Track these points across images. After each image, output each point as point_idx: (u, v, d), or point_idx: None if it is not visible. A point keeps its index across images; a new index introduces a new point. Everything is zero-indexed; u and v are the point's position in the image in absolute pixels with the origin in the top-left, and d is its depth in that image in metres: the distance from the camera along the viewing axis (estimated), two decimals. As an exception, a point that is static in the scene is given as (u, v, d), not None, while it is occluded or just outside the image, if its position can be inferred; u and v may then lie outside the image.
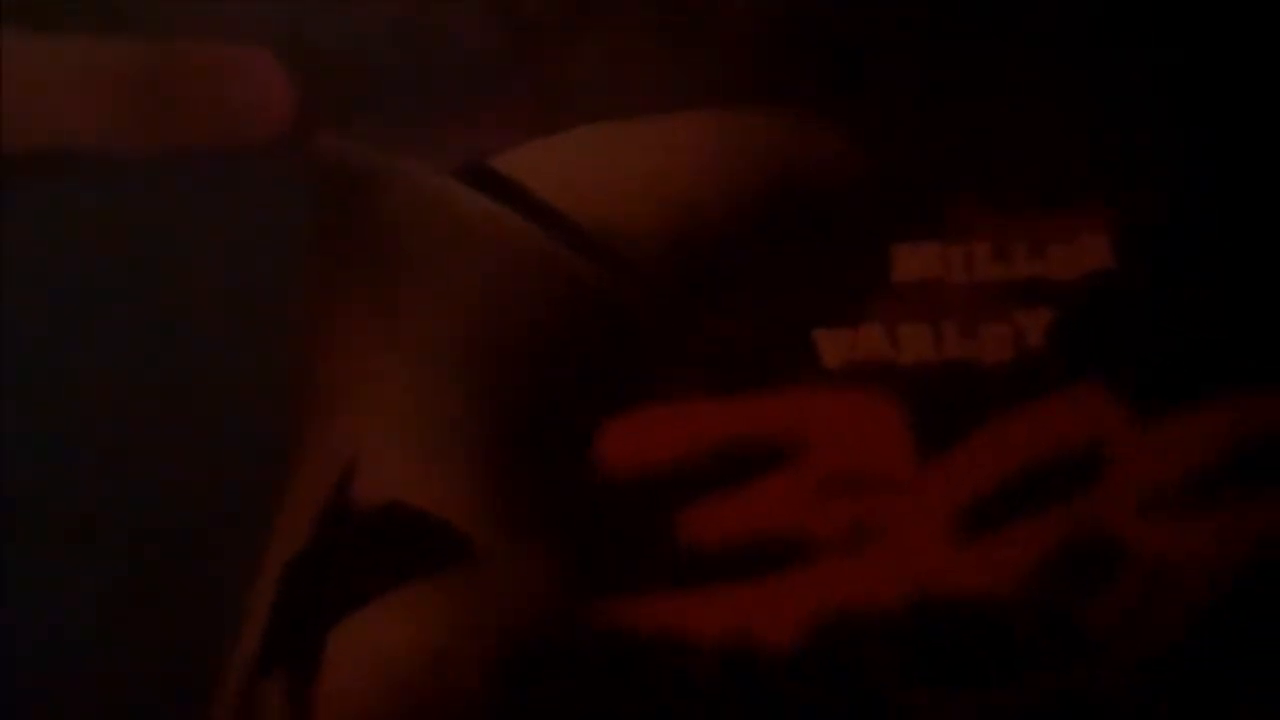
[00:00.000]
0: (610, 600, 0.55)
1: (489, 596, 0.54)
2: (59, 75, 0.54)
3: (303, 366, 0.53)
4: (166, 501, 0.54)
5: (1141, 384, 0.59)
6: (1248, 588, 0.59)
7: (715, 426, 0.56)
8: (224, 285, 0.54)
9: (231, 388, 0.53)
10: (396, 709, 0.54)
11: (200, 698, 0.53)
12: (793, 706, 0.57)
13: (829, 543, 0.57)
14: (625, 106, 0.57)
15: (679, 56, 0.57)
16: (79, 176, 0.55)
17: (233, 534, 0.53)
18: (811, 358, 0.57)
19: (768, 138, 0.58)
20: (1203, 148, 0.60)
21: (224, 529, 0.53)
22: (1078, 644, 0.59)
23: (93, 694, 0.53)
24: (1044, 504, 0.59)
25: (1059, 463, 0.59)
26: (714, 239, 0.57)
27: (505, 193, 0.56)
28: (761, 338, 0.57)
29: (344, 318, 0.54)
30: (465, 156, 0.56)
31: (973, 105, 0.59)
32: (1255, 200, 0.60)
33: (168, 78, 0.53)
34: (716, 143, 0.57)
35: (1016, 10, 0.59)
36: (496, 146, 0.57)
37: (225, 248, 0.54)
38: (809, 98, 0.58)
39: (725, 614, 0.56)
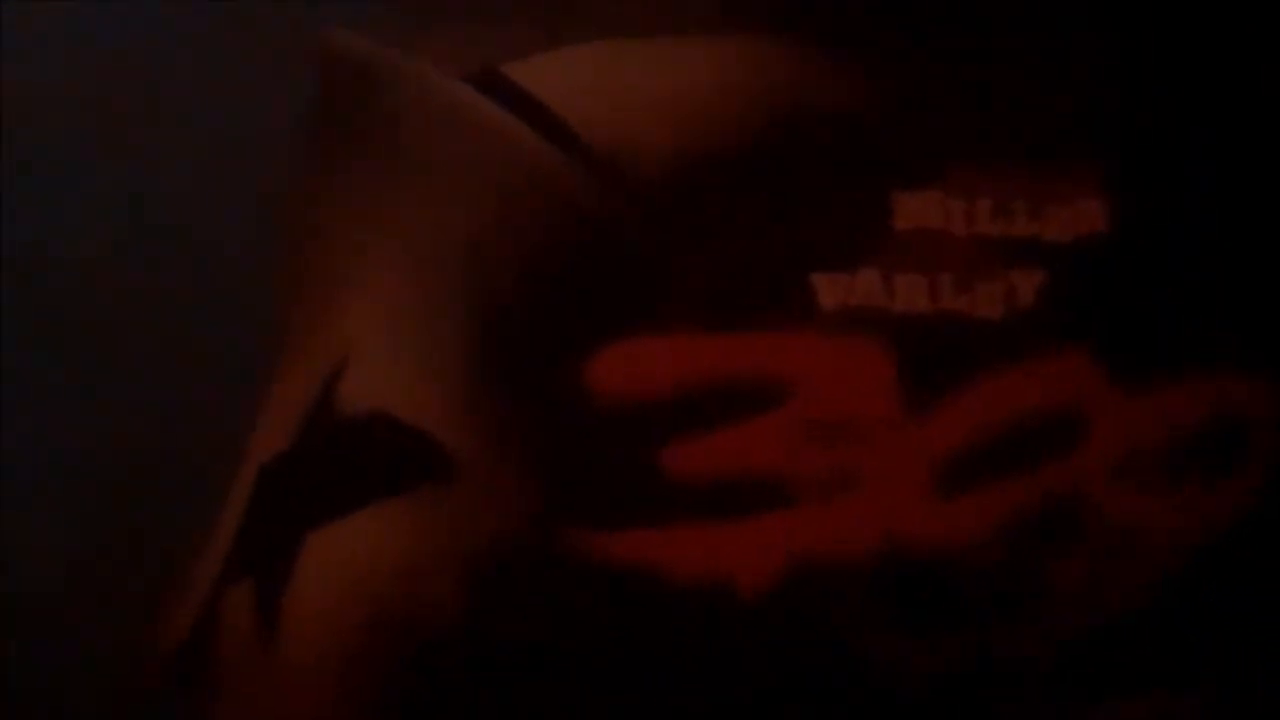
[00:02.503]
0: (588, 529, 0.54)
1: (467, 516, 0.53)
2: None
3: (297, 254, 0.52)
4: (148, 393, 0.52)
5: (1126, 352, 0.59)
6: (1213, 560, 0.60)
7: (707, 361, 0.55)
8: (221, 167, 0.52)
9: (222, 269, 0.52)
10: (365, 624, 0.52)
11: (173, 587, 0.51)
12: (763, 647, 0.56)
13: (809, 487, 0.56)
14: (643, 23, 0.56)
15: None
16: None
17: (218, 421, 0.51)
18: (808, 300, 0.56)
19: (782, 72, 0.57)
20: (1201, 123, 0.60)
21: (210, 416, 0.51)
22: (1043, 602, 0.59)
23: (65, 603, 0.51)
24: (1021, 463, 0.59)
25: (1040, 424, 0.59)
26: (719, 170, 0.56)
27: (515, 101, 0.54)
28: (760, 275, 0.56)
29: (343, 208, 0.52)
30: (478, 61, 0.54)
31: (981, 64, 0.59)
32: (1250, 179, 0.60)
33: None
34: (730, 71, 0.56)
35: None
36: (510, 54, 0.55)
37: (225, 132, 0.52)
38: (825, 34, 0.57)
39: (701, 552, 0.55)
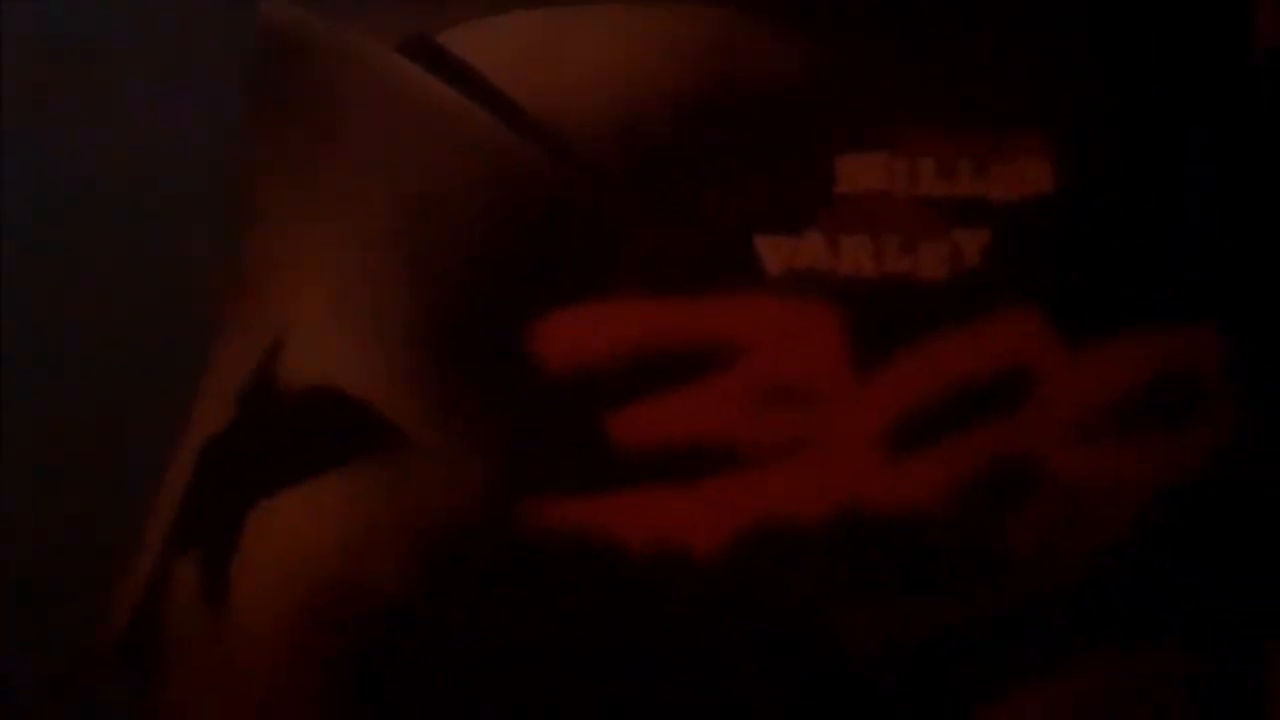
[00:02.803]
0: (538, 499, 0.54)
1: (413, 489, 0.53)
2: None
3: (236, 224, 0.51)
4: (85, 361, 0.51)
5: (1072, 310, 0.59)
6: (1162, 516, 0.60)
7: (654, 327, 0.55)
8: (156, 138, 0.52)
9: (168, 242, 0.51)
10: (312, 595, 0.52)
11: (116, 563, 0.51)
12: (718, 613, 0.56)
13: (760, 451, 0.56)
14: (580, -10, 0.56)
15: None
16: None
17: (154, 402, 0.51)
18: (753, 263, 0.56)
19: (722, 37, 0.57)
20: (1143, 85, 0.60)
21: (144, 400, 0.51)
22: (997, 562, 0.59)
23: (13, 580, 0.51)
24: (971, 423, 0.59)
25: (988, 384, 0.59)
26: (659, 135, 0.56)
27: (450, 70, 0.54)
28: (704, 240, 0.56)
29: (278, 185, 0.52)
30: (411, 30, 0.54)
31: (923, 23, 0.59)
32: (1190, 138, 0.60)
33: None
34: (671, 37, 0.56)
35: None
36: (444, 22, 0.55)
37: (164, 102, 0.52)
38: (770, 2, 0.57)
39: (654, 518, 0.55)
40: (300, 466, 0.51)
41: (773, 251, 0.56)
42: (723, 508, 0.56)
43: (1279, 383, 0.60)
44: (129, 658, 0.49)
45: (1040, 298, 0.59)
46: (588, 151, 0.54)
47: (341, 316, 0.51)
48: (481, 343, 0.53)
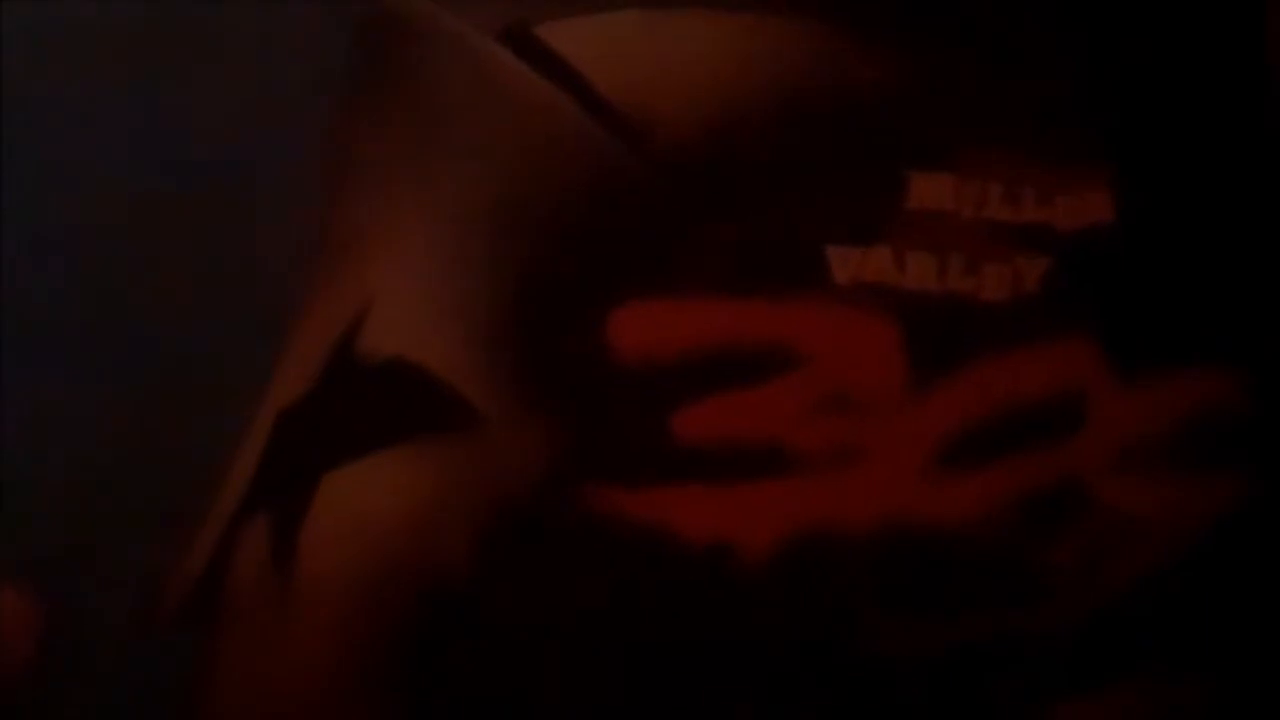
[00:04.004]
0: (600, 487, 0.55)
1: (484, 466, 0.54)
2: None
3: (327, 202, 0.52)
4: (171, 323, 0.52)
5: (1128, 342, 0.61)
6: (1204, 553, 0.61)
7: (721, 326, 0.56)
8: (257, 114, 0.53)
9: (254, 219, 0.52)
10: (377, 566, 0.53)
11: (187, 524, 0.52)
12: (764, 611, 0.57)
13: (813, 457, 0.57)
14: (675, -6, 0.57)
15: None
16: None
17: (237, 362, 0.52)
18: (822, 272, 0.57)
19: (807, 50, 0.58)
20: (1209, 122, 0.62)
21: (230, 359, 0.52)
22: (1037, 585, 0.60)
23: (84, 510, 0.52)
24: (1021, 448, 0.60)
25: (1041, 409, 0.60)
26: (743, 141, 0.57)
27: (546, 62, 0.55)
28: (776, 245, 0.57)
29: (376, 163, 0.53)
30: (511, 21, 0.55)
31: (1000, 52, 0.60)
32: (1254, 178, 0.62)
33: None
34: (757, 47, 0.57)
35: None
36: (541, 16, 0.56)
37: (261, 80, 0.53)
38: (850, 15, 0.58)
39: (707, 514, 0.56)
40: (374, 438, 0.52)
41: (842, 261, 0.57)
42: (774, 510, 0.57)
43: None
44: (193, 617, 0.50)
45: (1096, 328, 0.60)
46: (670, 151, 0.55)
47: (425, 293, 0.52)
48: (556, 329, 0.54)
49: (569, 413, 0.54)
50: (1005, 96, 0.60)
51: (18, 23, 0.53)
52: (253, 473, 0.52)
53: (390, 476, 0.52)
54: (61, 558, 0.51)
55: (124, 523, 0.51)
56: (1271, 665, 0.61)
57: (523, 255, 0.54)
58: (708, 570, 0.55)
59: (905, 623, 0.59)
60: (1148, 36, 0.61)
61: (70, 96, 0.53)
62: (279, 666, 0.52)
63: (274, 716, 0.52)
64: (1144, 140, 0.61)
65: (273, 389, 0.52)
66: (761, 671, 0.57)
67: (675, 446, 0.55)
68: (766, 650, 0.57)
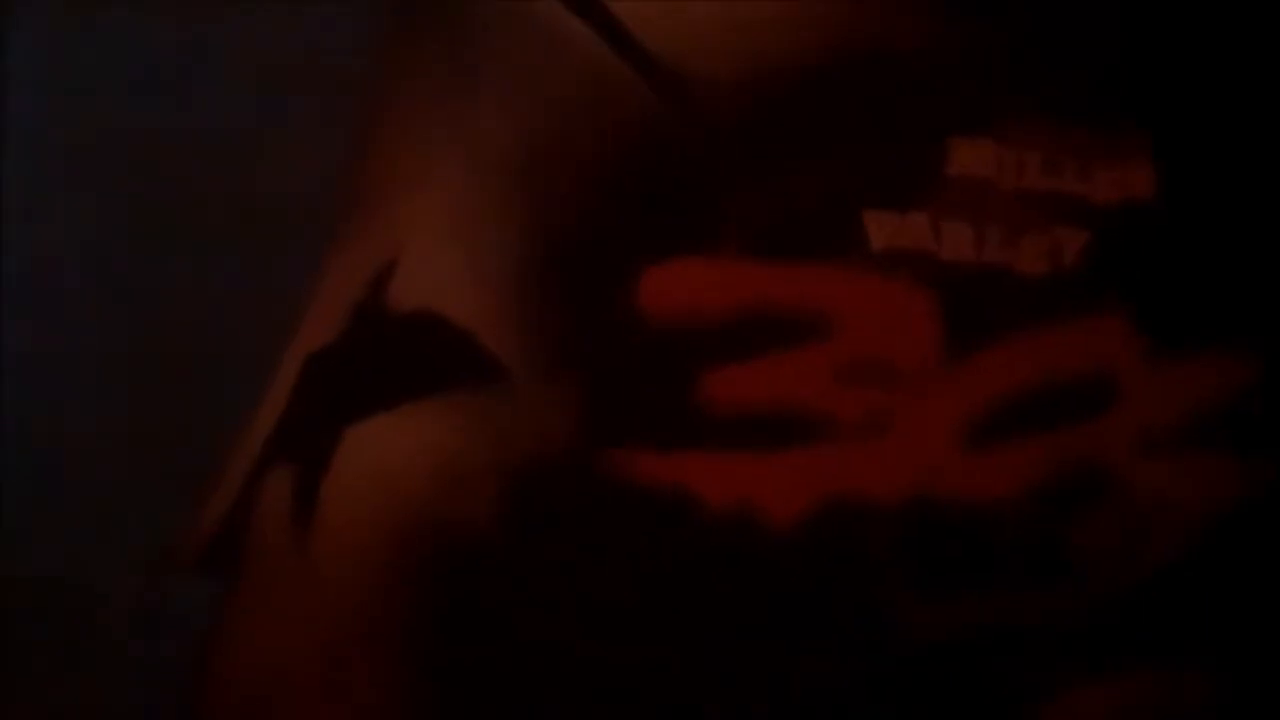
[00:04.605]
0: (626, 448, 0.54)
1: (507, 425, 0.53)
2: None
3: (361, 151, 0.51)
4: (196, 267, 0.51)
5: (1161, 321, 0.60)
6: (1230, 534, 0.60)
7: (755, 288, 0.55)
8: (289, 61, 0.51)
9: (287, 160, 0.51)
10: (398, 522, 0.52)
11: (207, 474, 0.51)
12: (786, 581, 0.56)
13: (843, 426, 0.56)
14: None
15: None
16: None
17: (263, 308, 0.50)
18: (858, 237, 0.56)
19: (849, 11, 0.57)
20: (1255, 105, 0.60)
21: (255, 303, 0.51)
22: (1063, 564, 0.59)
23: (104, 460, 0.51)
24: (1052, 423, 0.59)
25: (1072, 386, 0.59)
26: (779, 100, 0.56)
27: (592, 14, 0.54)
28: (813, 208, 0.56)
29: (411, 110, 0.52)
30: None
31: (1046, 20, 0.59)
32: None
33: None
34: (800, 8, 0.56)
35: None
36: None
37: (298, 26, 0.51)
38: None
39: (734, 481, 0.55)
40: (400, 390, 0.51)
41: (878, 227, 0.56)
42: (801, 478, 0.56)
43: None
44: (214, 565, 0.49)
45: (1132, 305, 0.59)
46: (710, 109, 0.54)
47: (455, 245, 0.51)
48: (586, 287, 0.53)
49: (597, 372, 0.53)
50: (1047, 65, 0.59)
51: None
52: (277, 422, 0.50)
53: (415, 431, 0.51)
54: (87, 508, 0.50)
55: (150, 473, 0.50)
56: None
57: (555, 208, 0.53)
58: (732, 537, 0.55)
59: (928, 596, 0.58)
60: (1195, 11, 0.60)
61: (116, 39, 0.51)
62: (297, 617, 0.51)
63: (290, 667, 0.51)
64: (1187, 114, 0.60)
65: (300, 336, 0.51)
66: (782, 640, 0.56)
67: (703, 410, 0.54)
68: (788, 619, 0.56)
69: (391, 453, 0.50)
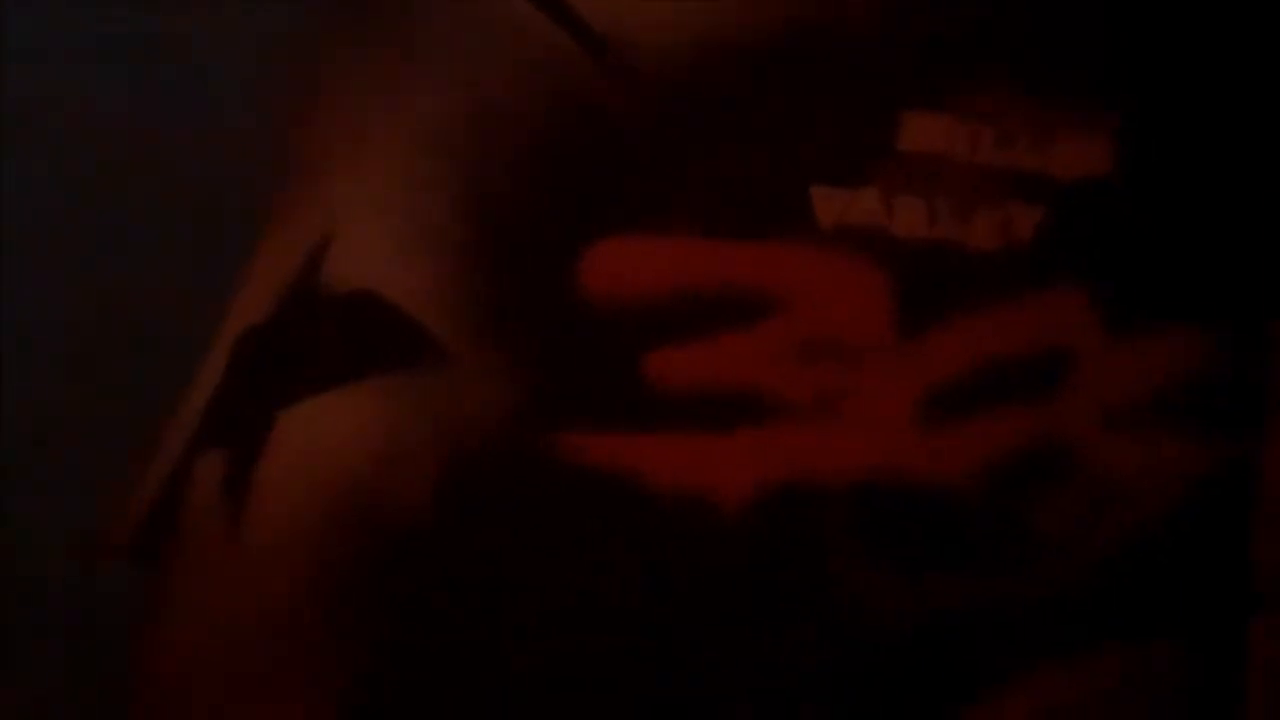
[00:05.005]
0: (570, 431, 0.53)
1: (447, 407, 0.52)
2: None
3: (291, 127, 0.50)
4: (132, 248, 0.50)
5: (1118, 297, 0.59)
6: (1193, 510, 0.59)
7: (700, 266, 0.54)
8: (227, 37, 0.50)
9: (206, 137, 0.50)
10: (333, 506, 0.51)
11: (138, 460, 0.49)
12: (739, 563, 0.55)
13: (794, 406, 0.55)
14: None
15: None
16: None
17: (194, 289, 0.49)
18: (806, 214, 0.55)
19: None
20: (1214, 79, 0.60)
21: (181, 285, 0.50)
22: (1023, 543, 0.59)
23: (31, 468, 0.50)
24: (1007, 401, 0.58)
25: (1027, 362, 0.58)
26: (729, 74, 0.55)
27: None
28: (761, 184, 0.55)
29: (344, 86, 0.50)
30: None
31: None
32: (1255, 141, 0.60)
33: None
34: None
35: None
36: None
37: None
38: None
39: (683, 462, 0.54)
40: (336, 371, 0.50)
41: (827, 203, 0.55)
42: (752, 459, 0.55)
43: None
44: (144, 552, 0.48)
45: (1088, 281, 0.58)
46: (655, 84, 0.53)
47: (392, 223, 0.50)
48: (528, 266, 0.52)
49: (538, 352, 0.52)
50: (1003, 39, 0.58)
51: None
52: (208, 404, 0.49)
53: (350, 413, 0.50)
54: (13, 487, 0.49)
55: (80, 453, 0.49)
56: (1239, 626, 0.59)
57: (495, 187, 0.52)
58: (683, 520, 0.54)
59: (886, 576, 0.57)
60: None
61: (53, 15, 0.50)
62: (229, 602, 0.50)
63: (221, 652, 0.50)
64: (1149, 90, 0.59)
65: (231, 315, 0.49)
66: (735, 624, 0.55)
67: (648, 391, 0.53)
68: (745, 601, 0.55)
69: (326, 435, 0.49)
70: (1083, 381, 0.58)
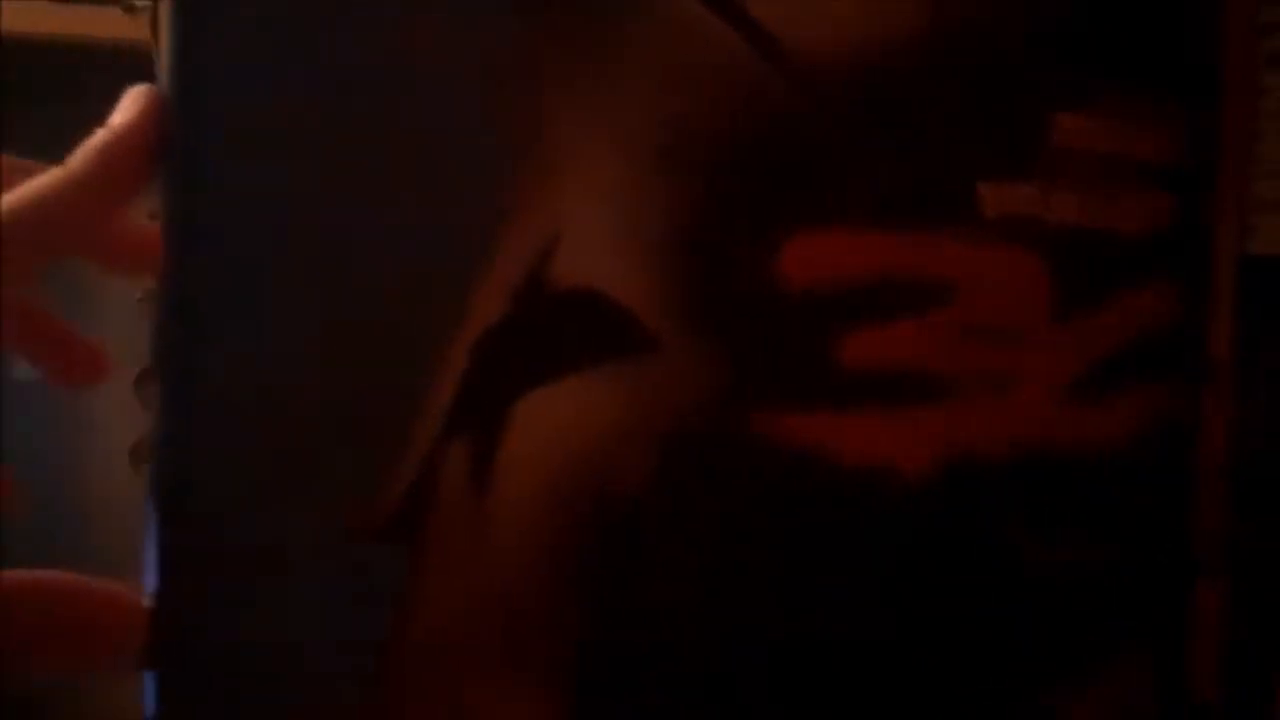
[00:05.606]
0: (770, 411, 0.57)
1: (663, 391, 0.56)
2: None
3: (517, 137, 0.54)
4: (374, 255, 0.54)
5: None
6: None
7: (879, 258, 0.59)
8: (449, 52, 0.55)
9: (450, 151, 0.54)
10: (567, 483, 0.55)
11: (393, 449, 0.54)
12: (918, 531, 0.59)
13: (963, 386, 0.60)
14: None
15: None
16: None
17: (436, 291, 0.54)
18: (972, 206, 0.60)
19: None
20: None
21: (429, 285, 0.54)
22: (1177, 509, 0.63)
23: (292, 434, 0.54)
24: (1155, 377, 0.63)
25: (1161, 340, 0.63)
26: (897, 77, 0.59)
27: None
28: (930, 180, 0.59)
29: (565, 99, 0.55)
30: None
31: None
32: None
33: None
34: None
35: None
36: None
37: (451, 17, 0.55)
38: None
39: (867, 439, 0.59)
40: (562, 363, 0.54)
41: (992, 196, 0.60)
42: (928, 435, 0.59)
43: None
44: (399, 534, 0.52)
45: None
46: (829, 85, 0.57)
47: (608, 226, 0.54)
48: (729, 260, 0.56)
49: (742, 340, 0.56)
50: (1142, 39, 0.63)
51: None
52: (453, 396, 0.54)
53: (576, 401, 0.54)
54: (276, 475, 0.53)
55: (334, 442, 0.53)
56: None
57: (696, 188, 0.56)
58: (866, 492, 0.58)
59: (1044, 542, 0.61)
60: None
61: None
62: (472, 580, 0.54)
63: (464, 625, 0.54)
64: None
65: (471, 315, 0.54)
66: (921, 582, 0.59)
67: (838, 374, 0.58)
68: (924, 564, 0.59)
69: (555, 423, 0.54)
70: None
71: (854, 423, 0.58)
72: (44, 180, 0.53)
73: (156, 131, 0.55)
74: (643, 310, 0.56)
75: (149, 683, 0.54)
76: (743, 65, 0.57)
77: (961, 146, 0.60)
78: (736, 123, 0.57)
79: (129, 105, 0.55)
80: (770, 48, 0.57)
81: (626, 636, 0.56)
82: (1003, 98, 0.60)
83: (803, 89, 0.58)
